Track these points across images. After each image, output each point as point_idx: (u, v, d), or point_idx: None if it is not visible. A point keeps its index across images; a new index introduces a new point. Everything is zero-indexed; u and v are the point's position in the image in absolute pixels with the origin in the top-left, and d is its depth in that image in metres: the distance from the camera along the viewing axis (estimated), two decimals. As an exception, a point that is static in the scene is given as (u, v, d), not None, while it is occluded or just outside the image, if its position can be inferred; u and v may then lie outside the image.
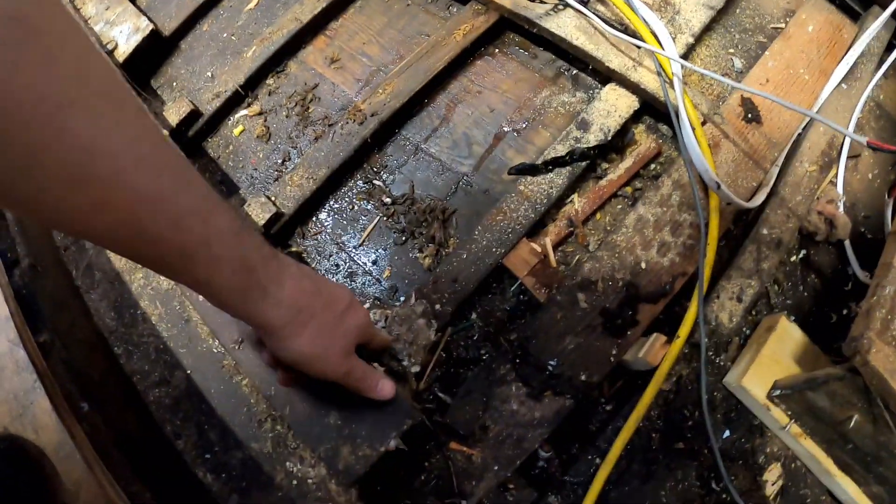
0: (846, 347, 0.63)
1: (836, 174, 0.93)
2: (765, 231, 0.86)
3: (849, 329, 0.67)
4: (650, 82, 0.93)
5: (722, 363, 0.82)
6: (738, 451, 0.80)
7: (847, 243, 0.90)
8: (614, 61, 0.94)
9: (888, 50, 1.00)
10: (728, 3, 1.03)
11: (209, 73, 1.10)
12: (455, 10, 1.07)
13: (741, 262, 0.85)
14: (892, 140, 1.01)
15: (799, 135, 0.94)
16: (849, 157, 0.94)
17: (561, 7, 0.98)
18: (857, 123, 0.97)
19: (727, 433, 0.80)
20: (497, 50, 1.02)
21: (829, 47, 1.01)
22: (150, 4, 1.22)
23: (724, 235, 0.89)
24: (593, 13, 0.96)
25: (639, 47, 0.93)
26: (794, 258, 0.91)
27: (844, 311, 0.87)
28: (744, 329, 0.85)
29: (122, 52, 1.12)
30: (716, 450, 0.75)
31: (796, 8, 1.06)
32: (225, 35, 1.13)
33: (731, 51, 1.04)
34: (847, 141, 0.95)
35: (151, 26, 1.11)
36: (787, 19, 1.05)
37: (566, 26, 0.96)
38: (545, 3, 0.99)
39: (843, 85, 0.97)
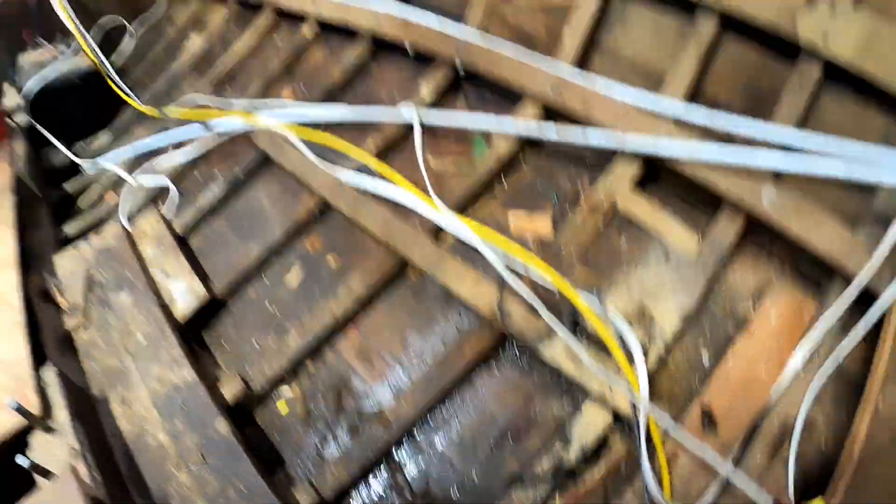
0: None
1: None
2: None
3: None
4: (622, 405, 1.11)
5: None
6: None
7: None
8: (594, 388, 1.12)
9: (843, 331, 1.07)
10: (700, 300, 1.19)
11: (254, 341, 1.31)
12: (464, 318, 1.24)
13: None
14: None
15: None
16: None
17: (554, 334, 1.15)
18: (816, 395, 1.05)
19: None
20: (499, 358, 1.21)
21: (789, 335, 1.15)
22: (200, 249, 1.40)
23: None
24: (578, 339, 1.14)
25: (611, 385, 1.11)
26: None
27: None
28: None
29: (181, 313, 1.31)
30: None
31: (764, 287, 1.20)
32: (268, 305, 1.32)
33: (701, 342, 1.21)
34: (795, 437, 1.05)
35: (207, 295, 1.29)
36: (755, 300, 1.20)
37: (557, 354, 1.14)
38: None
39: (801, 372, 1.08)
